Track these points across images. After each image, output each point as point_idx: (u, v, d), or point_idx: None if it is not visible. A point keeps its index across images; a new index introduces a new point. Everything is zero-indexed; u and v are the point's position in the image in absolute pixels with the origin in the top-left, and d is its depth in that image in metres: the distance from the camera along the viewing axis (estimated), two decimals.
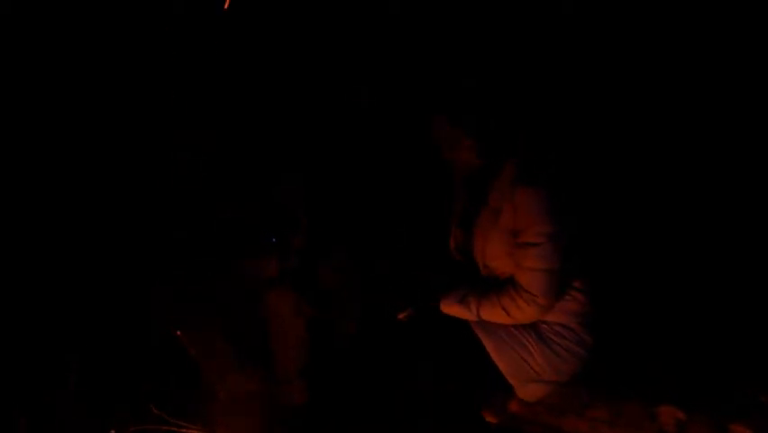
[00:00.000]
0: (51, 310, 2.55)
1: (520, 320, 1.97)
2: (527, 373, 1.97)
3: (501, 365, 1.96)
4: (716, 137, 2.59)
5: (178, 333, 2.13)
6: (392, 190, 2.79)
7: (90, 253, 2.72)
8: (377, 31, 2.84)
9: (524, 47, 2.74)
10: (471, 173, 2.07)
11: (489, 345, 1.97)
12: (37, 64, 2.74)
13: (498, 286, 2.00)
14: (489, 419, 2.06)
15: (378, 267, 2.32)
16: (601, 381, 2.05)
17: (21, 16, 2.71)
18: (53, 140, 2.77)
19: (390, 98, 2.87)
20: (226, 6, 2.46)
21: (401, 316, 2.05)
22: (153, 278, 2.72)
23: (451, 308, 2.02)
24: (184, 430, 1.94)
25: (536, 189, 1.92)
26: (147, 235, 2.76)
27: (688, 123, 2.62)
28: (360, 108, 2.88)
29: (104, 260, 2.72)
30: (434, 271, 2.20)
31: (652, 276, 2.52)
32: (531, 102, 2.28)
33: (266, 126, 2.86)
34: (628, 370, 2.11)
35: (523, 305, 1.93)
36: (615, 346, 2.13)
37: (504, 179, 1.98)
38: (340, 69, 2.86)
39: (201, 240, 2.66)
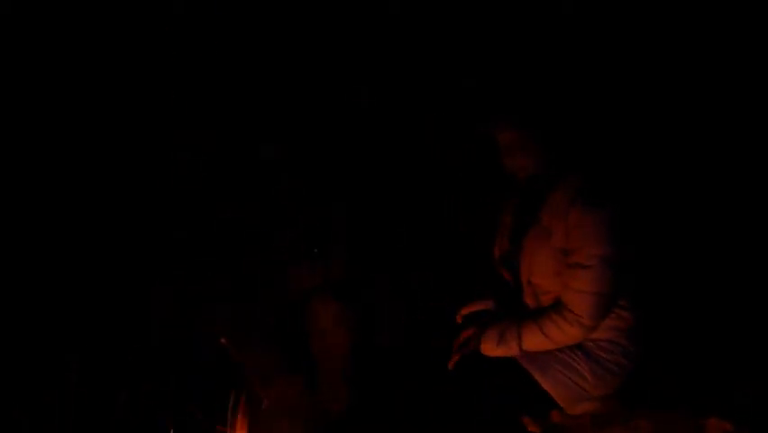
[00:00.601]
0: (51, 310, 2.54)
1: (563, 343, 1.92)
2: (578, 392, 1.92)
3: (552, 391, 1.91)
4: (718, 138, 2.59)
5: (223, 340, 2.13)
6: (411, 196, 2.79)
7: (90, 252, 2.72)
8: (377, 31, 2.83)
9: (523, 46, 2.74)
10: (527, 183, 2.01)
11: (535, 372, 1.92)
12: (37, 64, 2.73)
13: (536, 312, 1.96)
14: (531, 429, 2.01)
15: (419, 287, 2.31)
16: (647, 392, 2.01)
17: (21, 16, 2.71)
18: (53, 140, 2.77)
19: (390, 98, 2.87)
20: None
21: (450, 364, 1.98)
22: (153, 278, 2.72)
23: (493, 352, 1.95)
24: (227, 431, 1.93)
25: (596, 209, 1.85)
26: (147, 235, 2.76)
27: (689, 124, 2.62)
28: (360, 108, 2.88)
29: (104, 260, 2.71)
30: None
31: (696, 285, 2.49)
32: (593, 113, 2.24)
33: (266, 126, 2.86)
34: (675, 381, 2.08)
35: (566, 327, 1.88)
36: (661, 358, 2.10)
37: (561, 195, 1.91)
38: (340, 69, 2.86)
39: (203, 240, 2.66)
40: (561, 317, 1.89)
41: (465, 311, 2.13)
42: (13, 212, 2.68)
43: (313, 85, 2.85)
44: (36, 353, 2.35)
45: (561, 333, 1.90)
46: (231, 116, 2.84)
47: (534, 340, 1.92)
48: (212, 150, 2.83)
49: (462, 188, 2.77)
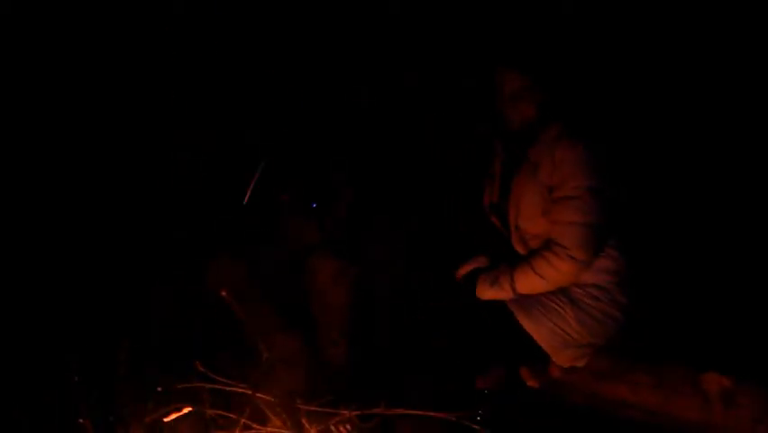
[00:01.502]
0: (51, 310, 2.54)
1: (557, 281, 1.95)
2: (563, 338, 1.94)
3: (536, 335, 1.93)
4: (708, 93, 2.56)
5: (224, 293, 2.14)
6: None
7: (90, 252, 2.71)
8: (377, 31, 2.83)
9: (523, 46, 2.74)
10: (520, 128, 2.05)
11: (522, 318, 1.94)
12: (37, 64, 2.74)
13: (527, 256, 2.00)
14: (529, 382, 2.05)
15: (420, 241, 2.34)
16: (644, 347, 2.01)
17: (21, 16, 2.71)
18: (53, 140, 2.77)
19: (390, 98, 2.87)
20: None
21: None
22: (153, 278, 2.71)
23: (486, 294, 2.01)
24: (229, 388, 1.94)
25: (579, 145, 1.93)
26: (147, 235, 2.75)
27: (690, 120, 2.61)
28: (360, 108, 2.88)
29: (104, 260, 2.71)
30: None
31: (695, 240, 2.46)
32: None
33: (266, 126, 2.87)
34: (673, 336, 2.07)
35: (557, 262, 1.92)
36: (658, 312, 2.10)
37: (548, 136, 1.99)
38: (340, 69, 2.86)
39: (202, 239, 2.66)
40: (551, 253, 1.92)
41: (464, 271, 2.15)
42: (14, 212, 2.68)
43: (313, 85, 2.85)
44: (36, 353, 2.35)
45: (552, 269, 1.93)
46: (231, 116, 2.84)
47: (526, 281, 1.96)
48: (212, 150, 2.83)
49: (462, 188, 2.77)
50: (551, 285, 1.96)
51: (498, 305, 2.00)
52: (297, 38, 2.88)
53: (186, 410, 1.85)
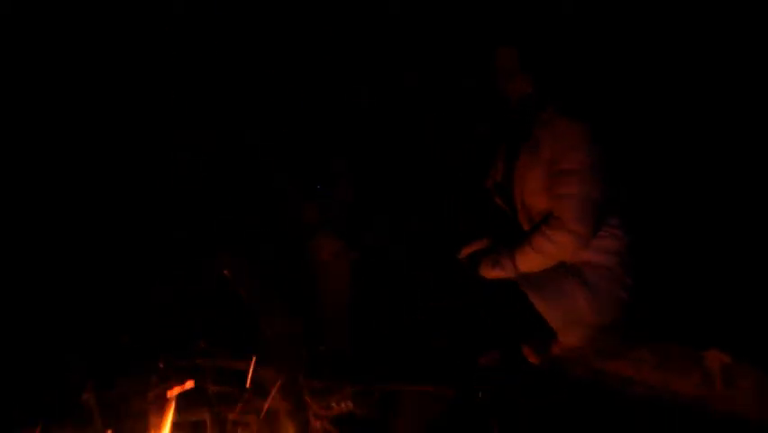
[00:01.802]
0: (51, 310, 2.54)
1: (555, 255, 1.95)
2: (571, 317, 1.93)
3: (546, 314, 1.92)
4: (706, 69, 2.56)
5: (227, 272, 2.15)
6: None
7: (91, 252, 2.71)
8: (377, 31, 2.84)
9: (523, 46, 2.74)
10: (519, 106, 2.07)
11: (533, 297, 1.92)
12: (37, 64, 2.73)
13: (528, 232, 2.00)
14: (532, 359, 2.04)
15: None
16: (647, 325, 2.01)
17: (21, 16, 2.70)
18: (54, 140, 2.77)
19: (390, 98, 2.87)
20: None
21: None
22: (153, 278, 2.71)
23: (489, 273, 2.00)
24: (231, 364, 1.95)
25: (578, 121, 1.94)
26: (147, 235, 2.75)
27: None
28: (360, 108, 2.88)
29: (104, 260, 2.71)
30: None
31: (697, 218, 2.46)
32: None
33: (266, 126, 2.86)
34: (675, 315, 2.07)
35: (555, 235, 1.92)
36: (660, 291, 2.09)
37: (548, 114, 2.00)
38: (340, 69, 2.86)
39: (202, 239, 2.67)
40: (548, 227, 1.93)
41: (467, 251, 2.15)
42: (14, 212, 2.68)
43: (313, 85, 2.85)
44: (36, 353, 2.35)
45: (550, 243, 1.93)
46: (231, 116, 2.84)
47: (526, 258, 1.96)
48: (212, 150, 2.83)
49: (462, 188, 2.77)
50: (550, 260, 1.96)
51: (502, 284, 1.98)
52: (297, 38, 2.88)
53: (188, 385, 1.84)
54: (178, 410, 1.80)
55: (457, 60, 2.78)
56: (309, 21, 2.86)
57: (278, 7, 2.85)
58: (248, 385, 1.88)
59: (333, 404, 1.98)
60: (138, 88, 2.82)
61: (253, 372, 1.91)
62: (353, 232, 2.48)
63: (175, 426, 1.79)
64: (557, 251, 1.94)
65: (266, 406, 1.86)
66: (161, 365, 1.95)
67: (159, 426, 1.75)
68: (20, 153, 2.73)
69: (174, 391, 1.82)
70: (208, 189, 2.81)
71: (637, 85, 2.60)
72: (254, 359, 1.93)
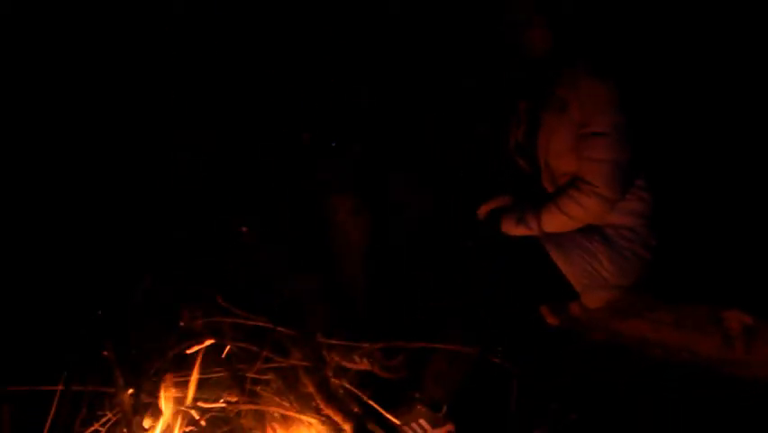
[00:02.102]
0: (51, 310, 2.54)
1: (583, 219, 1.93)
2: (595, 278, 1.92)
3: (569, 273, 1.90)
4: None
5: (244, 229, 2.14)
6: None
7: (91, 252, 2.71)
8: (377, 31, 2.83)
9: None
10: (540, 60, 2.00)
11: (555, 255, 1.90)
12: (37, 64, 2.74)
13: (554, 193, 1.98)
14: (550, 320, 2.03)
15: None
16: (666, 285, 1.99)
17: (21, 16, 2.71)
18: (53, 140, 2.77)
19: (390, 98, 2.87)
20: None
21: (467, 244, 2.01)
22: (153, 278, 2.71)
23: (512, 230, 1.99)
24: (249, 322, 1.93)
25: (608, 81, 1.90)
26: (147, 235, 2.75)
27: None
28: (360, 108, 2.88)
29: (104, 260, 2.71)
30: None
31: (717, 179, 2.40)
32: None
33: (266, 126, 2.87)
34: (694, 274, 2.04)
35: (584, 200, 1.89)
36: (680, 250, 2.07)
37: (574, 72, 1.94)
38: (340, 69, 2.86)
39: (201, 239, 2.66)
40: (577, 191, 1.90)
41: (485, 208, 2.14)
42: (13, 212, 2.68)
43: (313, 85, 2.85)
44: (36, 353, 2.35)
45: (579, 207, 1.91)
46: (231, 116, 2.84)
47: (552, 219, 1.94)
48: (212, 150, 2.83)
49: (462, 188, 2.77)
50: (577, 223, 1.94)
51: (521, 243, 1.96)
52: (297, 38, 2.88)
53: (208, 343, 1.83)
54: (192, 368, 1.78)
55: (457, 60, 2.78)
56: (309, 20, 2.86)
57: (277, 7, 2.85)
58: (267, 343, 1.85)
59: (354, 361, 1.97)
60: (138, 88, 2.82)
61: (272, 329, 1.88)
62: (371, 189, 2.43)
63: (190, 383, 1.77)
64: (585, 214, 1.92)
65: (286, 363, 1.84)
66: (181, 323, 1.92)
67: (180, 384, 1.74)
68: (20, 153, 2.73)
69: (193, 348, 1.81)
70: (208, 189, 2.81)
71: (660, 39, 2.51)
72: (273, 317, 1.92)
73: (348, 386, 1.83)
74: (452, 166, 2.81)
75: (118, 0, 2.78)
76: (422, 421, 1.90)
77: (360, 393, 1.82)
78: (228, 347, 1.87)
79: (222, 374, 1.84)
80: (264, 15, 2.85)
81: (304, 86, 2.87)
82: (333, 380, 1.82)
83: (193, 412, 1.73)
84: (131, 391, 1.71)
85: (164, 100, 2.82)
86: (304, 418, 1.72)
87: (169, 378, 1.73)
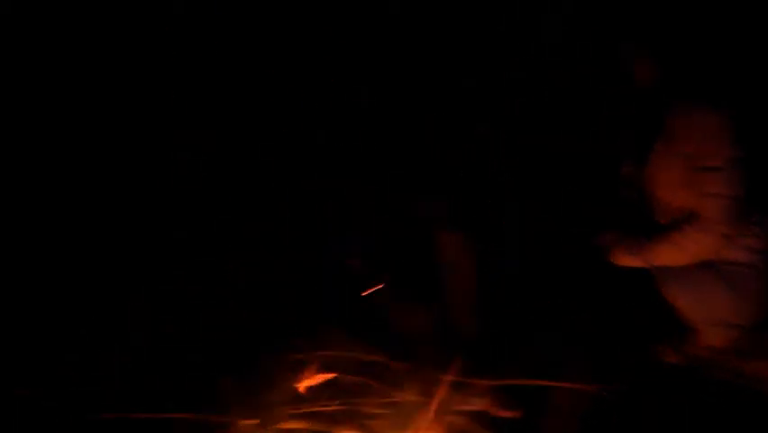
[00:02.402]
0: (51, 310, 2.54)
1: (697, 255, 1.89)
2: (713, 316, 1.88)
3: (686, 311, 1.88)
4: None
5: (355, 263, 2.14)
6: None
7: (90, 252, 2.71)
8: (377, 31, 2.83)
9: (522, 47, 2.74)
10: (647, 92, 1.98)
11: (672, 292, 1.88)
12: (37, 64, 2.73)
13: (667, 227, 1.94)
14: (669, 359, 2.00)
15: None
16: None
17: (21, 16, 2.71)
18: (53, 140, 2.77)
19: (390, 98, 2.87)
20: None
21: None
22: (152, 278, 2.71)
23: (624, 260, 1.97)
24: (365, 356, 1.95)
25: (719, 111, 1.85)
26: (147, 235, 2.75)
27: None
28: (360, 108, 2.88)
29: (104, 260, 2.71)
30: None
31: None
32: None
33: (266, 126, 2.86)
34: None
35: (701, 236, 1.85)
36: None
37: (684, 102, 1.90)
38: (340, 69, 2.86)
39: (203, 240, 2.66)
40: (692, 228, 1.87)
41: (601, 239, 2.08)
42: (13, 212, 2.68)
43: (313, 85, 2.85)
44: (36, 353, 2.35)
45: (694, 243, 1.87)
46: (231, 116, 2.84)
47: (665, 252, 1.91)
48: (212, 150, 2.83)
49: (462, 188, 2.77)
50: (691, 258, 1.90)
51: (639, 276, 1.94)
52: (297, 38, 2.88)
53: (330, 376, 1.86)
54: (309, 401, 1.82)
55: (457, 60, 2.78)
56: (309, 20, 2.86)
57: (277, 7, 2.85)
58: (383, 377, 1.88)
59: (471, 400, 1.94)
60: (138, 88, 2.82)
61: (387, 364, 1.90)
62: (478, 225, 2.44)
63: (307, 415, 1.81)
64: (700, 250, 1.89)
65: (402, 398, 1.85)
66: (301, 357, 1.95)
67: (295, 417, 1.78)
68: (20, 153, 2.73)
69: (316, 381, 1.85)
70: (208, 189, 2.81)
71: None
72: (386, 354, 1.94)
73: (465, 423, 1.83)
74: (452, 166, 2.82)
75: (118, 0, 2.77)
76: None
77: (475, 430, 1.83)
78: (343, 380, 1.90)
79: (337, 408, 1.85)
80: (264, 15, 2.85)
81: (303, 86, 2.87)
82: (449, 418, 1.81)
83: None
84: (257, 421, 1.76)
85: (164, 100, 2.82)
86: None
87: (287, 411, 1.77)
